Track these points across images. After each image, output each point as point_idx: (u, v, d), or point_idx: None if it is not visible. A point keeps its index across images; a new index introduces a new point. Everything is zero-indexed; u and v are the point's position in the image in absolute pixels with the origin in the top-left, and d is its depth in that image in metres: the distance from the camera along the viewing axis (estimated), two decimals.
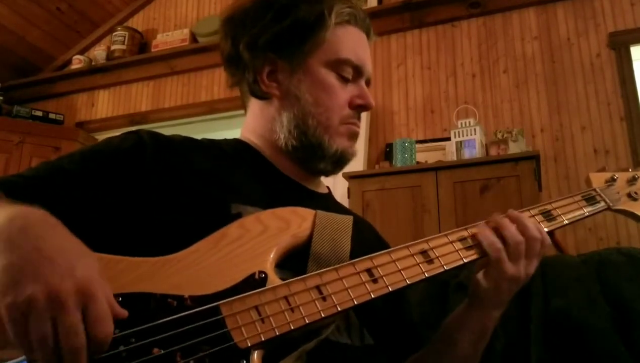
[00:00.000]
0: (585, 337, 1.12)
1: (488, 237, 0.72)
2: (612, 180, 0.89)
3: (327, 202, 0.90)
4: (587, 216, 0.81)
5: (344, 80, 0.84)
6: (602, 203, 0.85)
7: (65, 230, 0.56)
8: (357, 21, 0.86)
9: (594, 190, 0.87)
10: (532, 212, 0.80)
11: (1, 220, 0.54)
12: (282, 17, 0.82)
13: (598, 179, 0.90)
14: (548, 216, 0.80)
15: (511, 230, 0.73)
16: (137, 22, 4.12)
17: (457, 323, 0.78)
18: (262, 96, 0.85)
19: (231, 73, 0.89)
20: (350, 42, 0.85)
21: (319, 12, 0.82)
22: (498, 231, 0.73)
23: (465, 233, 0.74)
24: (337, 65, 0.83)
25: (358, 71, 0.85)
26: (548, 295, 1.21)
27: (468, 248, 0.73)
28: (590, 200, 0.85)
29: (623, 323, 1.12)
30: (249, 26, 0.84)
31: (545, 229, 0.78)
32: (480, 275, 0.74)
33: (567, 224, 0.81)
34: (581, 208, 0.82)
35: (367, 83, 0.88)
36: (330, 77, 0.83)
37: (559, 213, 0.82)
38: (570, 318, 1.15)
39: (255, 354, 0.56)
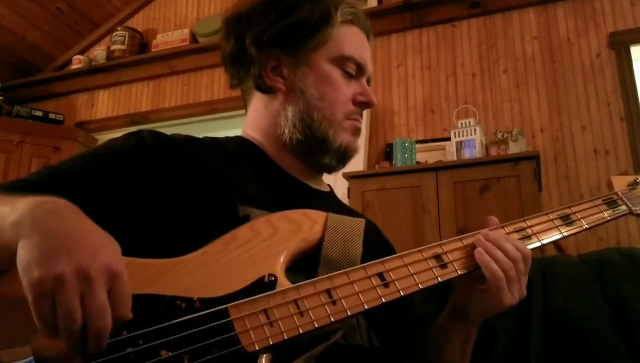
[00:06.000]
0: (585, 337, 1.12)
1: (490, 266, 0.68)
2: (635, 183, 0.87)
3: (330, 201, 0.90)
4: (609, 220, 0.78)
5: (348, 76, 0.85)
6: (624, 207, 0.83)
7: (88, 217, 0.56)
8: (359, 22, 0.88)
9: (616, 193, 0.85)
10: (551, 216, 0.77)
11: (26, 206, 0.54)
12: (287, 15, 0.84)
13: (620, 182, 0.88)
14: (567, 220, 0.78)
15: (503, 258, 0.68)
16: (137, 22, 4.11)
17: (444, 336, 0.79)
18: (267, 90, 0.86)
19: (233, 73, 0.90)
20: (354, 40, 0.87)
21: (326, 9, 0.84)
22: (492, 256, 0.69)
23: None
24: (342, 61, 0.85)
25: (361, 69, 0.87)
26: (548, 295, 1.21)
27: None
28: (612, 204, 0.83)
29: (623, 323, 1.13)
30: (254, 22, 0.85)
31: (565, 233, 0.75)
32: (473, 299, 0.72)
33: (587, 229, 0.78)
34: (602, 212, 0.79)
35: (368, 83, 0.90)
36: (335, 73, 0.84)
37: (579, 217, 0.79)
38: (570, 318, 1.15)
39: (263, 358, 0.56)
